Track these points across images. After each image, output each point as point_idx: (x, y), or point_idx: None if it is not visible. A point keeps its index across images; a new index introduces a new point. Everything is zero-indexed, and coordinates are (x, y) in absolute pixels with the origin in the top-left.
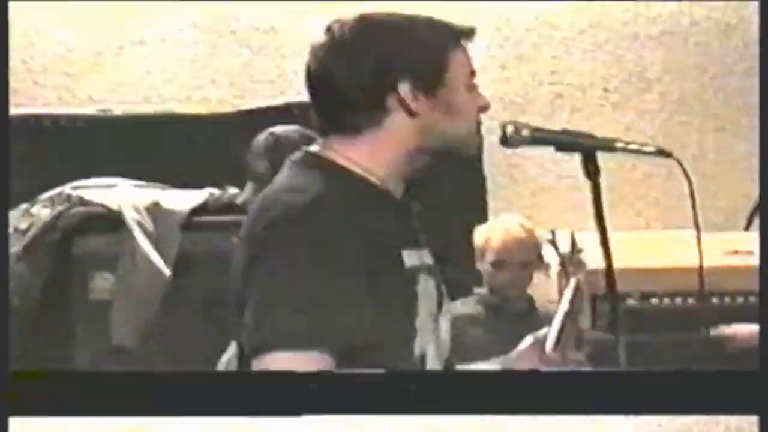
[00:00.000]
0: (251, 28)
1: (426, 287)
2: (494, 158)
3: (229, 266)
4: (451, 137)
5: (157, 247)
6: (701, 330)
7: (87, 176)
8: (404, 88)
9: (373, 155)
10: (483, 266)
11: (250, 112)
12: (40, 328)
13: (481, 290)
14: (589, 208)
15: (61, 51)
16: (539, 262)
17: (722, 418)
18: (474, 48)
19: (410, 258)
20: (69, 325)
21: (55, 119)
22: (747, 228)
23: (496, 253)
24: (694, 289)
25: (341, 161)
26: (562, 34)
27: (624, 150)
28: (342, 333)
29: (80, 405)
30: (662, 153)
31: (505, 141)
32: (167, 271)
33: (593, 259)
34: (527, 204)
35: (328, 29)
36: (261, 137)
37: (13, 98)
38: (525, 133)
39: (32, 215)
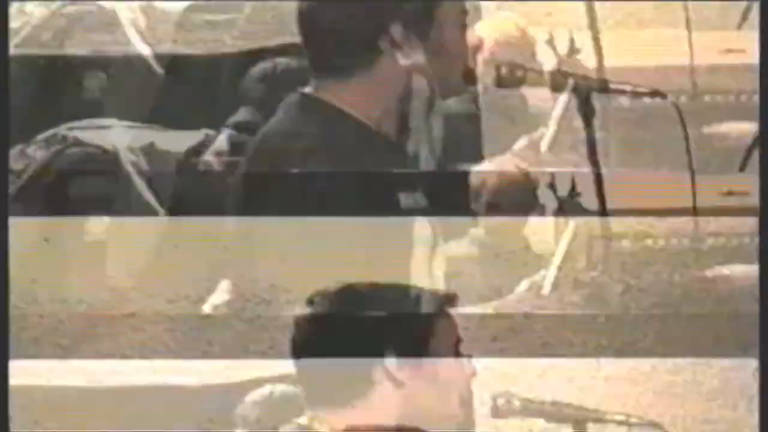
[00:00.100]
0: None
1: (421, 228)
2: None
3: (225, 208)
4: (443, 77)
5: (153, 187)
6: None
7: (83, 117)
8: (396, 30)
9: (366, 96)
10: (478, 207)
11: (248, 53)
12: (35, 270)
13: (477, 231)
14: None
15: None
16: (532, 59)
17: (714, 361)
18: None
19: (406, 199)
20: (63, 268)
21: (51, 59)
22: (742, 168)
23: (492, 194)
24: (690, 231)
25: (335, 103)
26: None
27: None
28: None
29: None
30: (658, 94)
31: (501, 82)
32: (163, 212)
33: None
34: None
35: None
36: (261, 64)
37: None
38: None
39: (28, 156)
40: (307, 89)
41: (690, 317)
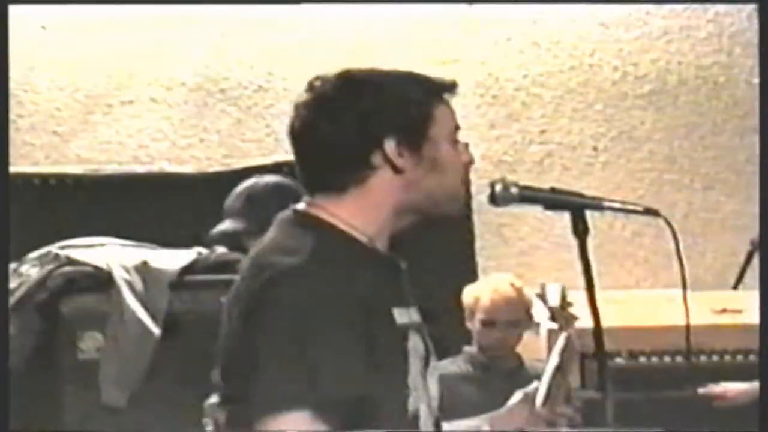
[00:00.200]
0: (240, 87)
1: (415, 344)
2: (484, 217)
3: (218, 326)
4: (437, 193)
5: (146, 306)
6: (689, 388)
7: (76, 236)
8: (389, 145)
9: (360, 213)
10: (472, 325)
11: (240, 172)
12: (28, 387)
13: (471, 349)
14: (578, 267)
15: (49, 110)
16: (529, 320)
17: None
18: (463, 106)
19: (400, 316)
20: (58, 385)
21: (44, 178)
22: (736, 287)
23: (486, 312)
24: (683, 348)
25: (329, 219)
26: (552, 94)
27: (612, 209)
28: (337, 394)
29: None
30: (650, 212)
31: (494, 199)
32: (156, 331)
33: (582, 318)
34: (516, 263)
35: (310, 86)
36: (245, 182)
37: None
38: (513, 191)
39: (21, 275)
40: (300, 206)
41: None
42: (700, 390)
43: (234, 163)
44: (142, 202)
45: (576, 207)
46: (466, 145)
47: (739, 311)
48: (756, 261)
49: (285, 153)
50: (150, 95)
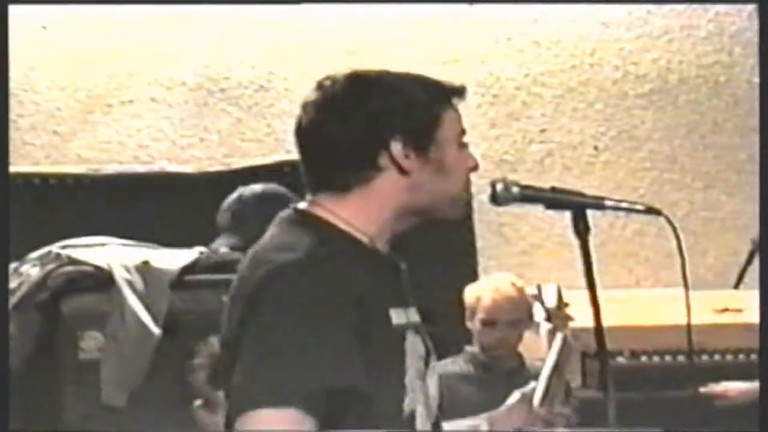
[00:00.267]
0: (240, 86)
1: (413, 345)
2: (485, 216)
3: (219, 325)
4: (440, 196)
5: (147, 305)
6: (691, 388)
7: (76, 235)
8: (396, 147)
9: (362, 213)
10: (473, 324)
11: (240, 171)
12: (29, 387)
13: (472, 348)
14: (580, 267)
15: (50, 109)
16: (529, 320)
17: None
18: (464, 106)
19: (398, 316)
20: (58, 385)
21: (44, 178)
22: (737, 286)
23: (487, 312)
24: (684, 347)
25: (329, 218)
26: (552, 93)
27: (613, 208)
28: (331, 392)
29: None
30: (652, 211)
31: (495, 199)
32: (157, 330)
33: (583, 317)
34: (517, 262)
35: (320, 86)
36: (229, 197)
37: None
38: (514, 190)
39: (21, 274)
40: (301, 204)
41: None
42: (702, 389)
43: (234, 162)
44: (142, 202)
45: (577, 206)
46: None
47: (740, 310)
48: (757, 260)
49: (285, 152)
50: (150, 95)
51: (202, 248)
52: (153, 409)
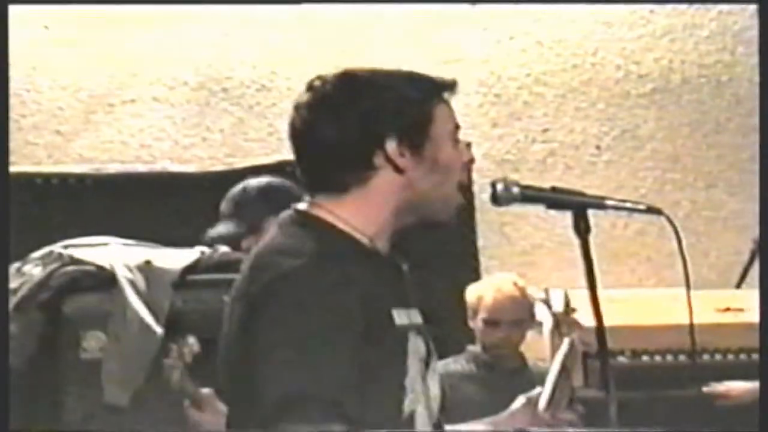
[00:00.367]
0: (242, 86)
1: (415, 346)
2: (486, 216)
3: (221, 325)
4: (435, 194)
5: (149, 305)
6: (693, 387)
7: (79, 235)
8: (391, 145)
9: (361, 213)
10: (475, 324)
11: (242, 171)
12: (31, 387)
13: (474, 348)
14: (581, 266)
15: (52, 109)
16: (532, 320)
17: None
18: (465, 105)
19: (400, 317)
20: (60, 384)
21: (47, 178)
22: (739, 285)
23: (489, 312)
24: (686, 347)
25: (330, 219)
26: (554, 92)
27: (615, 207)
28: (336, 394)
29: None
30: (653, 210)
31: (496, 199)
32: (159, 330)
33: (585, 317)
34: (519, 262)
35: (310, 86)
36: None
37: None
38: (515, 190)
39: (23, 274)
40: (301, 206)
41: None
42: (704, 389)
43: (236, 162)
44: (144, 202)
45: (578, 206)
46: (468, 144)
47: (742, 310)
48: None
49: (288, 152)
50: (152, 94)
51: (203, 248)
52: (155, 408)
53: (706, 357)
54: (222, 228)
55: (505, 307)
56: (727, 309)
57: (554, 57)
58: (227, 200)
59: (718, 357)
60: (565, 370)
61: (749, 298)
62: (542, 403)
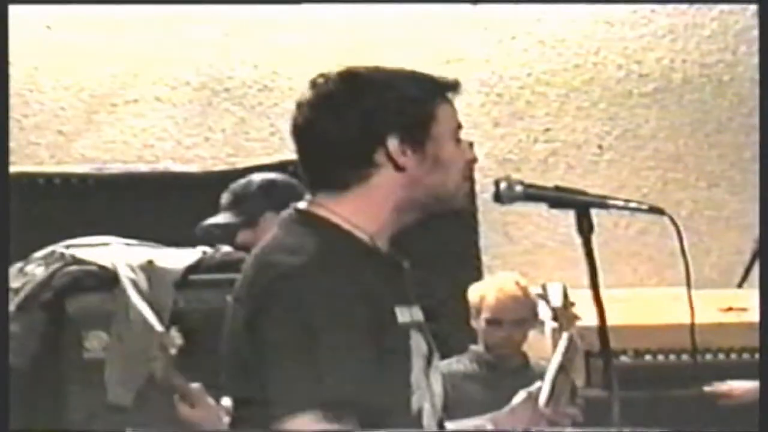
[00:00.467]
0: (244, 86)
1: (417, 344)
2: (489, 215)
3: (224, 324)
4: (439, 191)
5: (151, 305)
6: (695, 387)
7: (81, 235)
8: (393, 143)
9: (362, 211)
10: (478, 323)
11: (244, 171)
12: (34, 386)
13: (477, 347)
14: (584, 266)
15: (54, 109)
16: (534, 319)
17: None
18: (468, 105)
19: (402, 314)
20: (63, 384)
21: (49, 178)
22: (741, 285)
23: (491, 311)
24: (688, 347)
25: (330, 218)
26: (556, 92)
27: (617, 207)
28: (343, 393)
29: None
30: (655, 210)
31: (498, 197)
32: (162, 329)
33: (587, 316)
34: (521, 261)
35: (313, 84)
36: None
37: None
38: (518, 189)
39: (26, 274)
40: (302, 204)
41: None
42: (706, 388)
43: (239, 162)
44: (146, 202)
45: (581, 205)
46: (470, 144)
47: (744, 309)
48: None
49: (290, 152)
50: (155, 94)
51: (206, 248)
52: (158, 408)
53: (708, 356)
54: (219, 218)
55: (507, 306)
56: (730, 308)
57: (556, 56)
58: (228, 192)
59: (720, 356)
60: (564, 364)
61: (751, 297)
62: (542, 399)
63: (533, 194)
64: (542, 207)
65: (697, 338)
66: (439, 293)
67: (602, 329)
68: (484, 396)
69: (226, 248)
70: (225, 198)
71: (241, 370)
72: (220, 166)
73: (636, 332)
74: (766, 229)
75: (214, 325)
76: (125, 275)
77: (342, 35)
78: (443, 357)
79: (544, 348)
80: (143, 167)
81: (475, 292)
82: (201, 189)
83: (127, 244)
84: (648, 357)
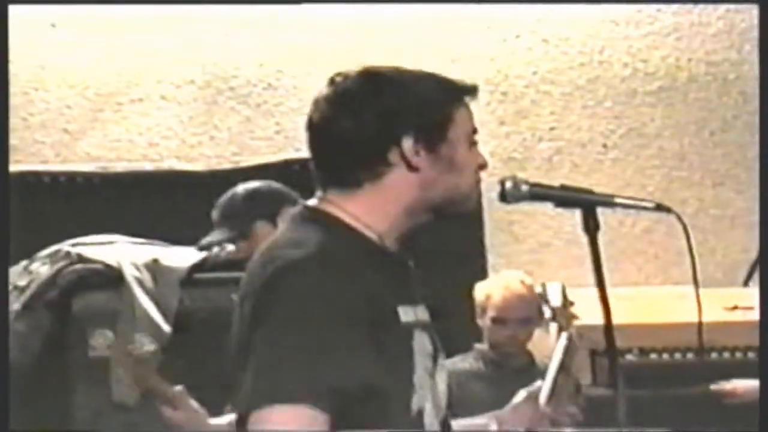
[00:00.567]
0: (249, 85)
1: (421, 343)
2: (494, 214)
3: (229, 322)
4: (451, 193)
5: (157, 303)
6: (701, 385)
7: (86, 233)
8: (407, 143)
9: (372, 210)
10: (483, 322)
11: (249, 169)
12: (39, 385)
13: (482, 346)
14: (589, 264)
15: (59, 107)
16: (540, 318)
17: None
18: (473, 104)
19: (405, 314)
20: (69, 383)
21: (54, 176)
22: (746, 283)
23: (497, 310)
24: (694, 345)
25: (339, 215)
26: (561, 91)
27: (623, 205)
28: (341, 389)
29: None
30: (661, 208)
31: (504, 196)
32: (167, 328)
33: (593, 314)
34: (527, 260)
35: (332, 81)
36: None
37: (11, 155)
38: (524, 188)
39: (31, 272)
40: (311, 201)
41: None
42: (711, 387)
43: (243, 160)
44: (151, 200)
45: (586, 204)
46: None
47: (750, 308)
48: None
49: (294, 150)
50: (160, 93)
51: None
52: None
53: (713, 355)
54: (213, 236)
55: (513, 305)
56: (735, 307)
57: (561, 55)
58: (216, 208)
59: (725, 355)
60: (564, 363)
61: (757, 295)
62: (543, 398)
63: (539, 193)
64: (548, 206)
65: (703, 336)
66: (444, 292)
67: (608, 328)
68: (489, 394)
69: (231, 247)
70: (214, 215)
71: (242, 361)
72: (225, 165)
73: (641, 331)
74: (766, 229)
75: (219, 324)
76: (130, 274)
77: (346, 34)
78: (448, 355)
79: (549, 347)
80: (148, 166)
81: (480, 291)
82: (206, 187)
83: (133, 243)
84: (653, 356)
